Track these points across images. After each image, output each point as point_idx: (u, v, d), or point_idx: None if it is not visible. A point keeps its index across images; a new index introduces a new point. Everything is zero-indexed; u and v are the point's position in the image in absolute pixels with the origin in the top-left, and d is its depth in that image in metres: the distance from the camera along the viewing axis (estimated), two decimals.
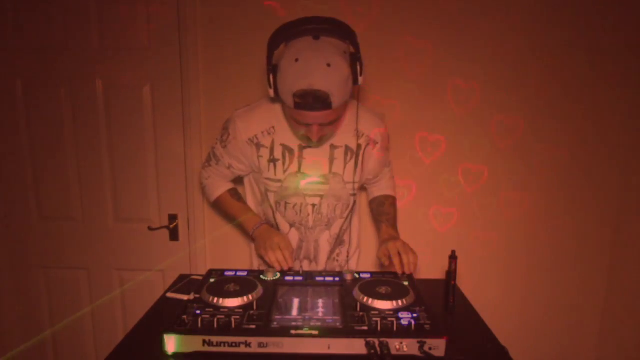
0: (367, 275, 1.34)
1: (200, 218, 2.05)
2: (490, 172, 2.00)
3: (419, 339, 1.00)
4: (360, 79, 1.27)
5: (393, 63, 1.91)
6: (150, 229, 2.05)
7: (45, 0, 1.90)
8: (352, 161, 1.46)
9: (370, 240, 1.99)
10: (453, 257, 1.34)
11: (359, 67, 1.25)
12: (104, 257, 2.11)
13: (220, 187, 1.59)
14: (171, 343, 1.02)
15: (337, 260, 1.58)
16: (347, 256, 1.61)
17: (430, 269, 1.98)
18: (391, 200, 1.66)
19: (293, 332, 1.02)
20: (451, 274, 1.33)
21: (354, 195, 1.52)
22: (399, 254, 1.34)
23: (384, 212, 1.61)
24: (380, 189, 1.69)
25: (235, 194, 1.60)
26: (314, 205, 1.47)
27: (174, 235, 2.08)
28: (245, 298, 1.16)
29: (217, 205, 1.65)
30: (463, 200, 2.02)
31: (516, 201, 2.02)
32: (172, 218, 2.06)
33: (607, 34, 1.87)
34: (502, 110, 1.95)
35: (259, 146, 1.43)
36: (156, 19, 1.90)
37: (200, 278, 1.41)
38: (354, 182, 1.48)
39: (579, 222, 2.04)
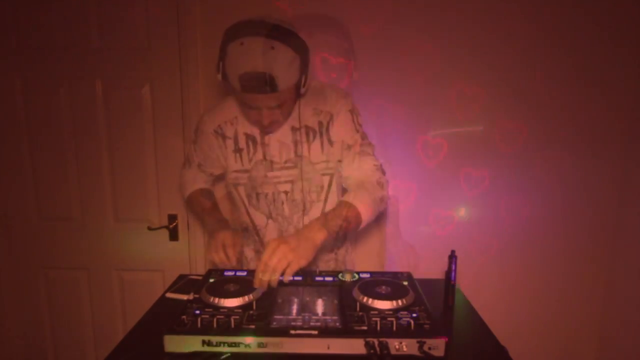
0: (367, 275, 1.34)
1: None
2: (491, 175, 2.00)
3: (419, 339, 1.00)
4: (302, 90, 1.30)
5: (397, 67, 1.91)
6: (149, 229, 2.05)
7: (45, 0, 1.90)
8: (317, 140, 1.43)
9: (361, 235, 1.99)
10: (452, 257, 1.34)
11: (303, 79, 1.28)
12: (104, 257, 2.11)
13: (192, 186, 1.64)
14: (171, 343, 1.02)
15: (324, 248, 1.49)
16: (335, 247, 1.56)
17: (430, 269, 1.98)
18: (347, 206, 1.31)
19: (292, 332, 1.02)
20: (451, 273, 1.33)
21: (328, 175, 1.46)
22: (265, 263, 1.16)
23: (330, 210, 1.35)
24: (348, 194, 1.39)
25: (205, 193, 1.62)
26: (286, 192, 1.46)
27: (173, 235, 2.08)
28: (244, 298, 1.16)
29: (188, 204, 1.67)
30: (463, 201, 2.02)
31: (516, 203, 2.02)
32: (172, 218, 2.06)
33: (608, 36, 1.87)
34: (504, 116, 1.94)
35: (224, 137, 1.46)
36: (155, 19, 1.90)
37: (200, 278, 1.41)
38: (322, 162, 1.44)
39: (578, 222, 2.04)
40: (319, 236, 1.24)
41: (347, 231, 1.33)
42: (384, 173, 1.46)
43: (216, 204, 1.62)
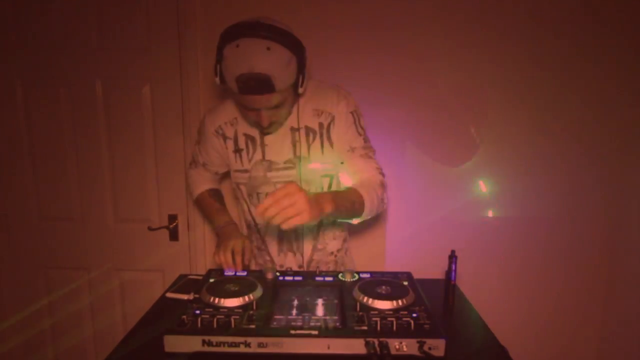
0: (367, 275, 1.34)
1: (200, 218, 2.05)
2: (491, 175, 2.00)
3: (419, 339, 1.00)
4: (301, 89, 1.31)
5: (397, 65, 1.91)
6: (150, 229, 2.05)
7: (45, 0, 1.90)
8: (317, 141, 1.43)
9: (361, 235, 1.99)
10: (452, 257, 1.34)
11: (301, 79, 1.29)
12: (104, 257, 2.11)
13: (200, 186, 1.65)
14: (171, 343, 1.02)
15: (323, 250, 1.55)
16: (339, 247, 1.57)
17: (430, 269, 1.98)
18: (354, 192, 1.33)
19: (292, 332, 1.02)
20: (451, 273, 1.33)
21: (328, 177, 1.47)
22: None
23: (340, 191, 1.39)
24: (354, 184, 1.42)
25: (214, 194, 1.64)
26: None
27: (173, 235, 2.08)
28: (244, 298, 1.16)
29: (197, 205, 1.69)
30: (463, 200, 2.02)
31: (516, 203, 2.02)
32: (172, 218, 2.06)
33: (609, 34, 1.87)
34: (504, 117, 1.94)
35: (224, 137, 1.47)
36: (155, 19, 1.90)
37: (200, 278, 1.41)
38: (324, 163, 1.45)
39: (579, 222, 2.03)
40: (329, 206, 1.20)
41: (347, 216, 1.33)
42: (383, 176, 1.48)
43: (224, 204, 1.64)
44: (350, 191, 1.34)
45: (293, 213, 1.09)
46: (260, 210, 1.10)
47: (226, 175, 1.67)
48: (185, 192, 2.02)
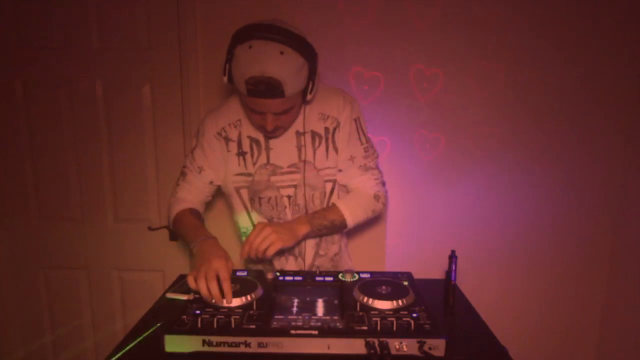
0: (367, 275, 1.34)
1: None
2: (492, 175, 2.00)
3: (419, 339, 1.00)
4: (309, 96, 1.31)
5: (395, 61, 1.91)
6: (150, 229, 2.05)
7: (45, 0, 1.90)
8: (322, 146, 1.43)
9: (361, 235, 1.99)
10: (452, 257, 1.34)
11: (310, 85, 1.29)
12: (104, 257, 2.11)
13: (182, 205, 1.49)
14: (171, 343, 1.02)
15: (325, 256, 1.53)
16: (336, 251, 1.56)
17: (430, 269, 1.98)
18: (335, 210, 1.44)
19: (293, 332, 1.02)
20: (451, 273, 1.33)
21: (331, 182, 1.47)
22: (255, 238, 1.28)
23: (320, 209, 1.45)
24: (341, 199, 1.49)
25: (194, 212, 1.48)
26: (289, 197, 1.45)
27: (174, 235, 2.08)
28: (244, 298, 1.16)
29: (174, 224, 1.48)
30: (463, 200, 2.02)
31: (517, 203, 2.02)
32: None
33: (608, 33, 1.87)
34: (505, 116, 1.95)
35: (227, 140, 1.44)
36: (156, 19, 1.90)
37: None
38: (327, 168, 1.44)
39: (579, 222, 2.04)
40: (302, 229, 1.37)
41: (331, 232, 1.46)
42: (383, 185, 1.52)
43: (203, 223, 1.49)
44: (332, 209, 1.45)
45: (267, 245, 1.27)
46: (242, 256, 1.29)
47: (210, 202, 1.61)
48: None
